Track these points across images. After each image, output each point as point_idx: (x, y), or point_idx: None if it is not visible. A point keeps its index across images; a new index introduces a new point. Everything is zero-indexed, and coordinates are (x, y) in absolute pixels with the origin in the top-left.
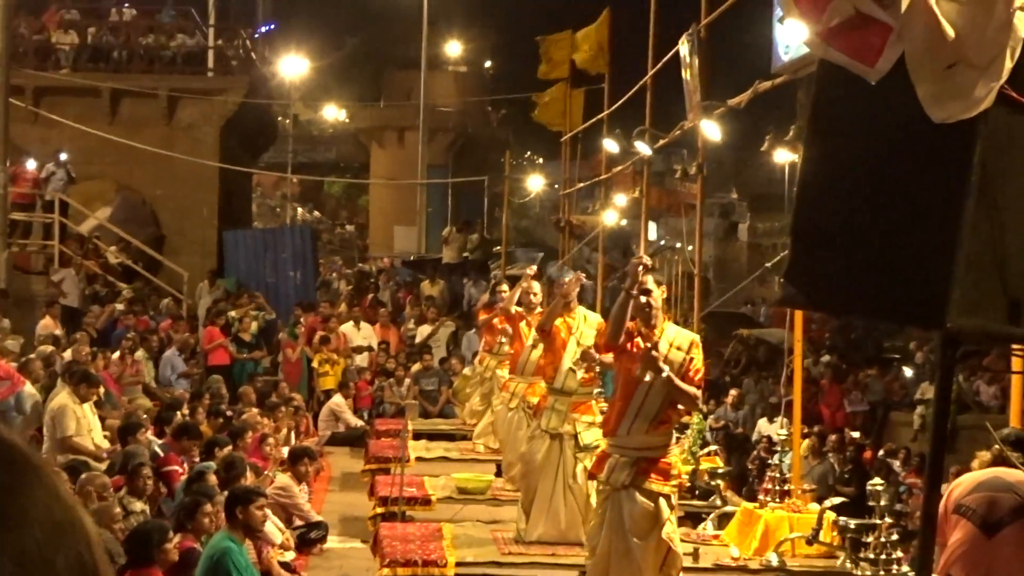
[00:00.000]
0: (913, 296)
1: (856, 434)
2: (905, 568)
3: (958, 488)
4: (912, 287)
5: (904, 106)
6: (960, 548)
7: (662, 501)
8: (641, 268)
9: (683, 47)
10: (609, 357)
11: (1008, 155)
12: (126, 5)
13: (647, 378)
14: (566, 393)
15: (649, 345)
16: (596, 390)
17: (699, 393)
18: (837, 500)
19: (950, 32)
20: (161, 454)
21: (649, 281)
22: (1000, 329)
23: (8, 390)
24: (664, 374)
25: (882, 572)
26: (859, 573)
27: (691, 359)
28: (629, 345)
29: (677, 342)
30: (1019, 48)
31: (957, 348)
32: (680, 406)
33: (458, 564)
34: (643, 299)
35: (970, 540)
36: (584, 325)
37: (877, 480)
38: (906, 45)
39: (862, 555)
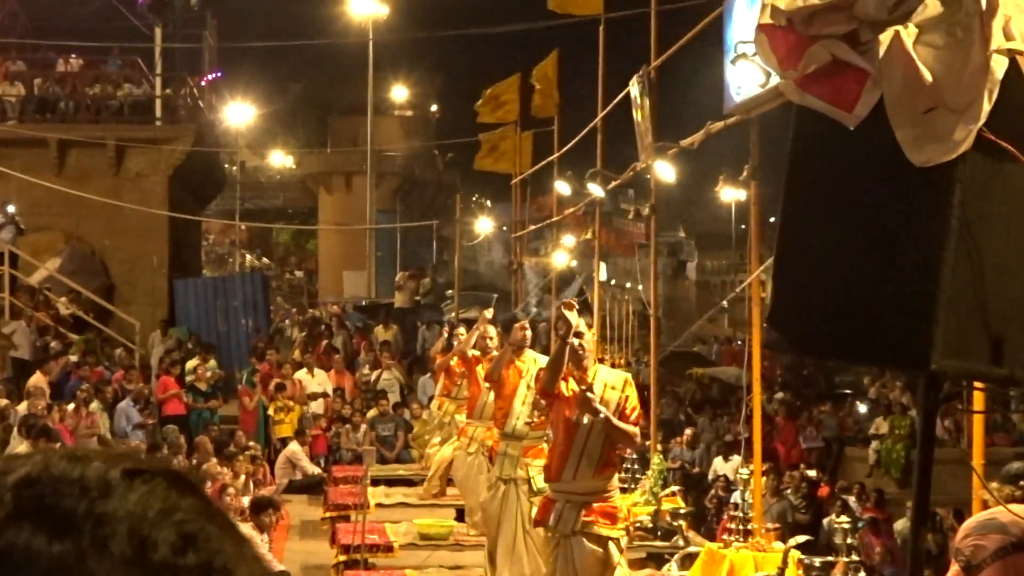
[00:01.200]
0: (896, 339)
1: (812, 471)
2: None
3: (960, 533)
4: (895, 330)
5: (883, 149)
6: None
7: (611, 545)
8: (573, 312)
9: (634, 88)
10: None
11: (987, 197)
12: (72, 56)
13: (585, 420)
14: (517, 438)
15: (584, 388)
16: (548, 433)
17: (637, 431)
18: (802, 538)
19: (928, 76)
20: None
21: (580, 324)
22: (984, 370)
23: None
24: (602, 415)
25: None
26: None
27: (626, 397)
28: (563, 389)
29: (611, 382)
30: (996, 91)
31: (940, 389)
32: (620, 445)
33: None
34: (575, 341)
35: None
36: (535, 368)
37: (843, 519)
38: (884, 90)
39: None
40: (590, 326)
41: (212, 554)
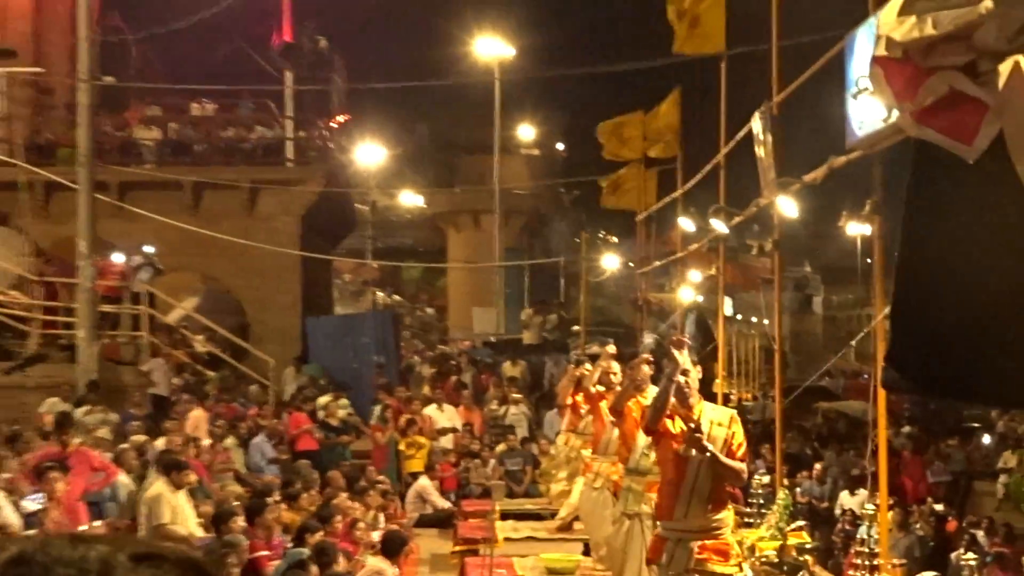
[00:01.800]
0: (1015, 381)
1: (939, 505)
2: None
3: None
4: (1013, 372)
5: (1004, 185)
6: None
7: None
8: (683, 353)
9: (756, 124)
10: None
11: None
12: (205, 100)
13: (692, 453)
14: (641, 473)
15: (692, 425)
16: None
17: (744, 467)
18: (929, 575)
19: None
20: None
21: (686, 361)
22: None
23: (104, 481)
24: (709, 453)
25: None
26: None
27: (733, 433)
28: (670, 427)
29: (717, 419)
30: None
31: None
32: (728, 483)
33: None
34: (681, 379)
35: None
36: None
37: (971, 554)
38: (1005, 122)
39: None
40: (695, 364)
41: None
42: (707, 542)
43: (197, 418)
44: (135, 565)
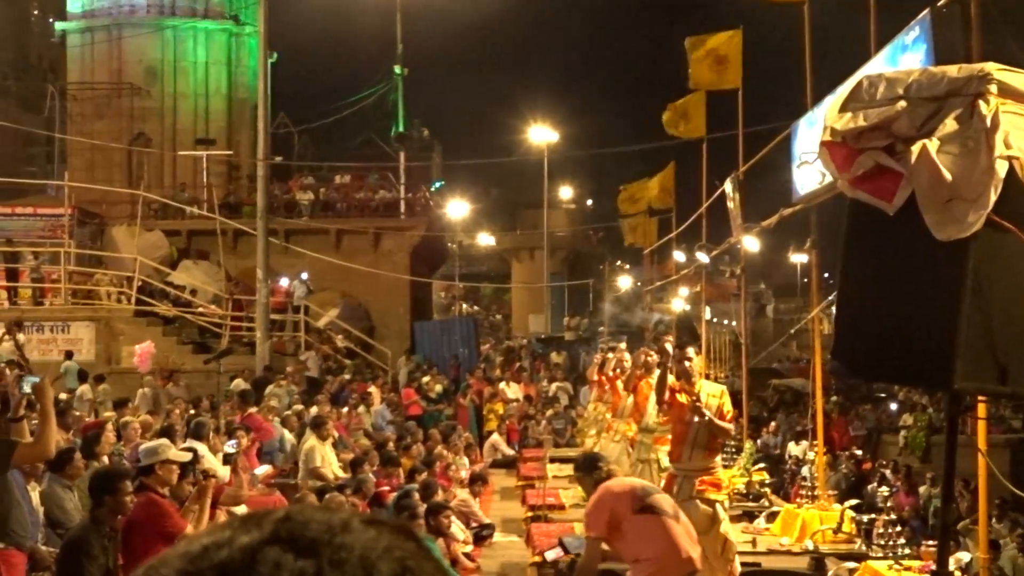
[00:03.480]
0: (927, 366)
1: (858, 451)
2: (906, 549)
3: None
4: (926, 360)
5: (916, 229)
6: None
7: (717, 506)
8: (671, 347)
9: (728, 186)
10: None
11: (994, 264)
12: (345, 174)
13: (695, 420)
14: (650, 431)
15: (694, 399)
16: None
17: (731, 427)
18: (852, 501)
19: (948, 176)
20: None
21: (690, 351)
22: (994, 388)
23: (265, 435)
24: (707, 417)
25: (890, 553)
26: (873, 554)
27: (723, 404)
28: (679, 398)
29: (712, 392)
30: (1000, 185)
31: (960, 403)
32: (720, 437)
33: None
34: (686, 364)
35: None
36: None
37: (882, 488)
38: (915, 186)
39: (873, 540)
40: (698, 352)
41: None
42: (705, 478)
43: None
44: (365, 527)
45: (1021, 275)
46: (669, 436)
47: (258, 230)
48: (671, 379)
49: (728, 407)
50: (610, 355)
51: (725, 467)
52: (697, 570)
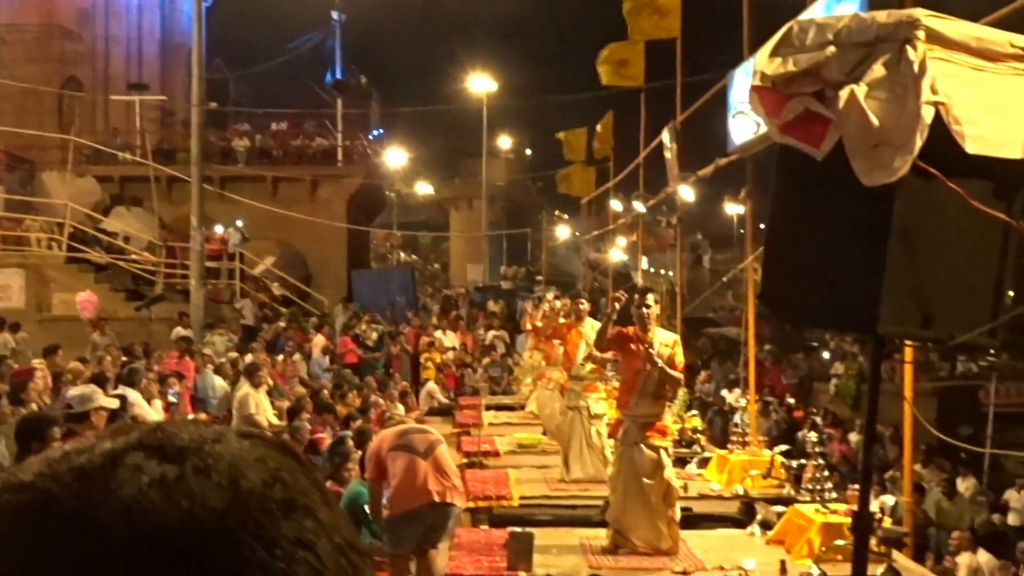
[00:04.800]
0: (854, 311)
1: (791, 400)
2: (833, 494)
3: None
4: (852, 305)
5: (843, 174)
6: None
7: (662, 452)
8: (623, 296)
9: (665, 136)
10: (608, 355)
11: (920, 209)
12: (281, 120)
13: (647, 368)
14: (580, 379)
15: (647, 346)
16: (604, 375)
17: (681, 376)
18: (783, 447)
19: (875, 121)
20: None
21: (650, 297)
22: (917, 333)
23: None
24: (658, 365)
25: (818, 497)
26: (801, 498)
27: (674, 353)
28: (632, 346)
29: (665, 341)
30: (926, 131)
31: (885, 347)
32: (669, 385)
33: (521, 498)
34: (644, 310)
35: None
36: (591, 331)
37: (812, 433)
38: (843, 132)
39: (802, 485)
40: (657, 302)
41: (298, 494)
42: (650, 423)
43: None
44: (240, 438)
45: (946, 221)
46: (599, 384)
47: (192, 177)
48: (631, 327)
49: (680, 357)
50: (546, 306)
51: None
52: (435, 500)
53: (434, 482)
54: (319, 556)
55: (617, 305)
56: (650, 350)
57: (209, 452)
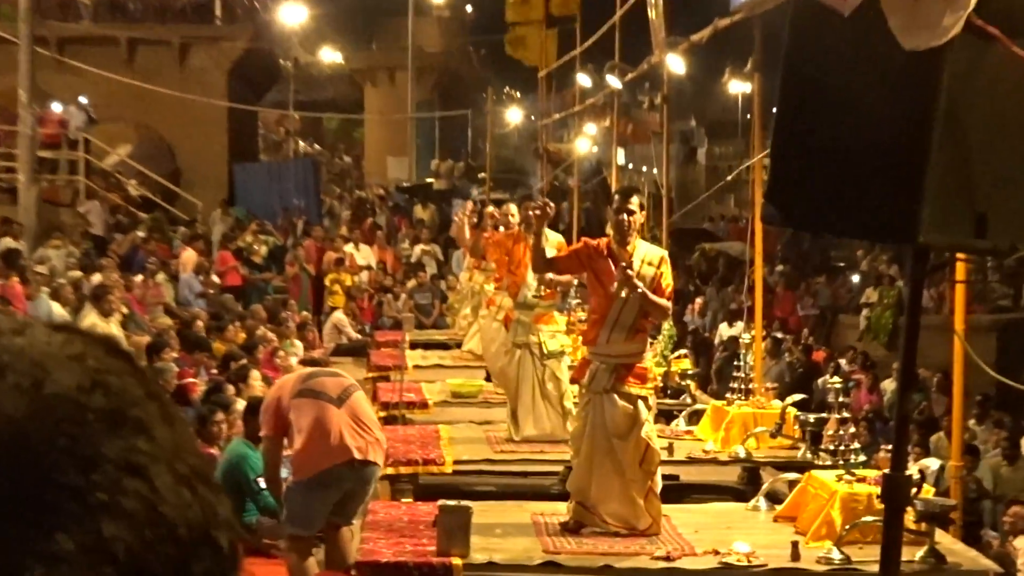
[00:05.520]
0: (886, 214)
1: (809, 337)
2: (860, 456)
3: None
4: (885, 206)
5: (875, 37)
6: None
7: (640, 403)
8: (539, 209)
9: None
10: (565, 277)
11: (973, 81)
12: None
13: (623, 294)
14: (528, 307)
15: (624, 265)
16: (556, 304)
17: (669, 305)
18: (797, 397)
19: None
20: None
21: (634, 202)
22: (968, 243)
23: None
24: (639, 290)
25: (841, 461)
26: (819, 462)
27: (661, 273)
28: (602, 264)
29: (648, 258)
30: None
31: (927, 261)
32: (651, 317)
33: (455, 462)
34: (624, 218)
35: None
36: (544, 245)
37: (835, 379)
38: None
39: (821, 446)
40: (642, 207)
41: (127, 404)
42: (626, 365)
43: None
44: (52, 331)
45: (1006, 97)
46: (555, 314)
47: (20, 37)
48: (603, 240)
49: (668, 279)
50: (491, 210)
51: None
52: (354, 458)
53: (353, 436)
54: (153, 485)
55: (534, 216)
56: (628, 270)
57: (7, 345)
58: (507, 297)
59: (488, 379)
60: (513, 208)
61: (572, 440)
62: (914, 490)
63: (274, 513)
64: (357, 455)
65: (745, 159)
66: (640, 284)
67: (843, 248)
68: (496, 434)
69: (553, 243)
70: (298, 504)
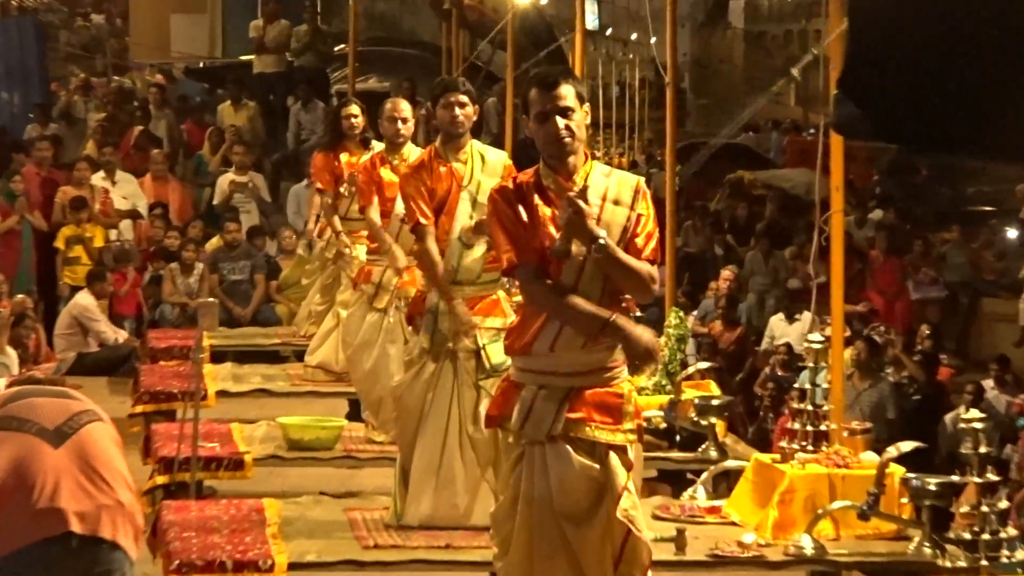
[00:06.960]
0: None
1: (928, 338)
2: (1020, 553)
3: None
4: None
5: None
6: None
7: (613, 458)
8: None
9: None
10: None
11: None
12: None
13: (573, 251)
14: (459, 283)
15: (573, 193)
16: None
17: (653, 271)
18: (907, 446)
19: None
20: None
21: (569, 98)
22: None
23: None
24: (601, 241)
25: (983, 560)
26: (946, 564)
27: (639, 216)
28: (529, 207)
29: (614, 193)
30: None
31: None
32: (626, 295)
33: (291, 566)
34: (561, 123)
35: None
36: (481, 172)
37: (976, 414)
38: None
39: (949, 533)
40: (581, 101)
41: None
42: (588, 391)
43: None
44: None
45: None
46: (502, 295)
47: None
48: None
49: (650, 225)
50: (355, 111)
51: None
52: (70, 531)
53: (73, 494)
54: None
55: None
56: (583, 206)
57: None
58: (407, 271)
59: (353, 417)
60: (405, 106)
61: (494, 525)
62: None
63: None
64: (76, 527)
65: (816, 18)
66: (602, 232)
67: (989, 182)
68: (368, 515)
69: (496, 168)
70: None
